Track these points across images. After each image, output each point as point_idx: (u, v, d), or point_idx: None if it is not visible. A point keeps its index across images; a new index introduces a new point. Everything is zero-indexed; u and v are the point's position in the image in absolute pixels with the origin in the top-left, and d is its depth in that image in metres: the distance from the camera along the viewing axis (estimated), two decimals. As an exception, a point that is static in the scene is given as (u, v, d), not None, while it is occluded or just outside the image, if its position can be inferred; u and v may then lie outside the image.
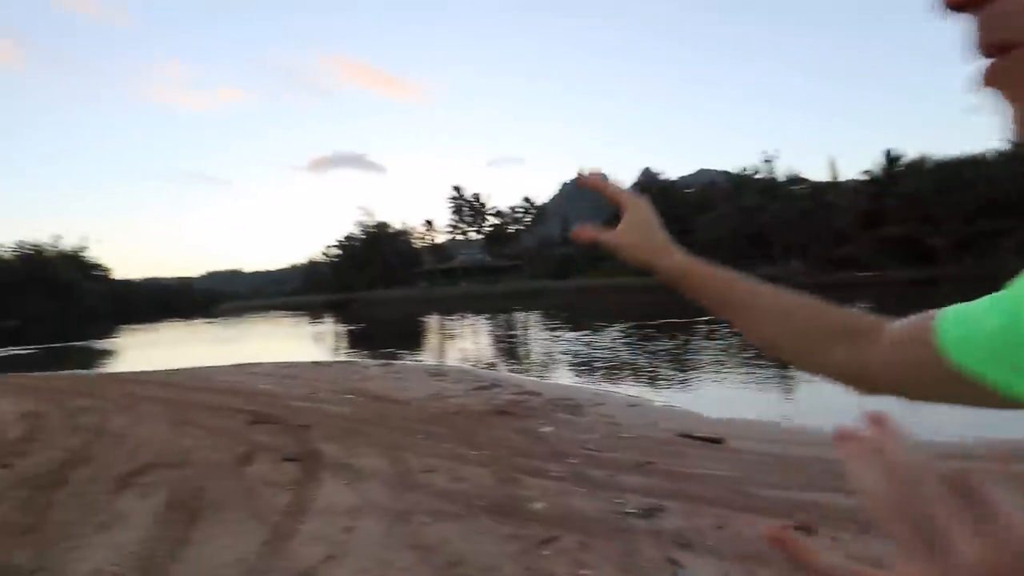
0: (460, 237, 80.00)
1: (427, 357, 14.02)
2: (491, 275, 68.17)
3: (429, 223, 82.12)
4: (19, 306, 54.22)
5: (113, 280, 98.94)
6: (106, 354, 23.06)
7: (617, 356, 11.87)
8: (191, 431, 5.68)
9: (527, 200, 78.54)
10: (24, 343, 27.24)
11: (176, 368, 12.63)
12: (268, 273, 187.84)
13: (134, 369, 13.38)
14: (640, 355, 11.74)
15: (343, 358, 14.48)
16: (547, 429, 5.48)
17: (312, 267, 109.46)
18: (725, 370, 9.02)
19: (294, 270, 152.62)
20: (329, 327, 32.98)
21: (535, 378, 9.50)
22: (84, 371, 15.19)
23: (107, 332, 37.60)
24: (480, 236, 78.44)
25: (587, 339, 15.11)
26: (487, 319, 27.62)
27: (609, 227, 0.59)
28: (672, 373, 9.35)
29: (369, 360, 12.87)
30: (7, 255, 64.74)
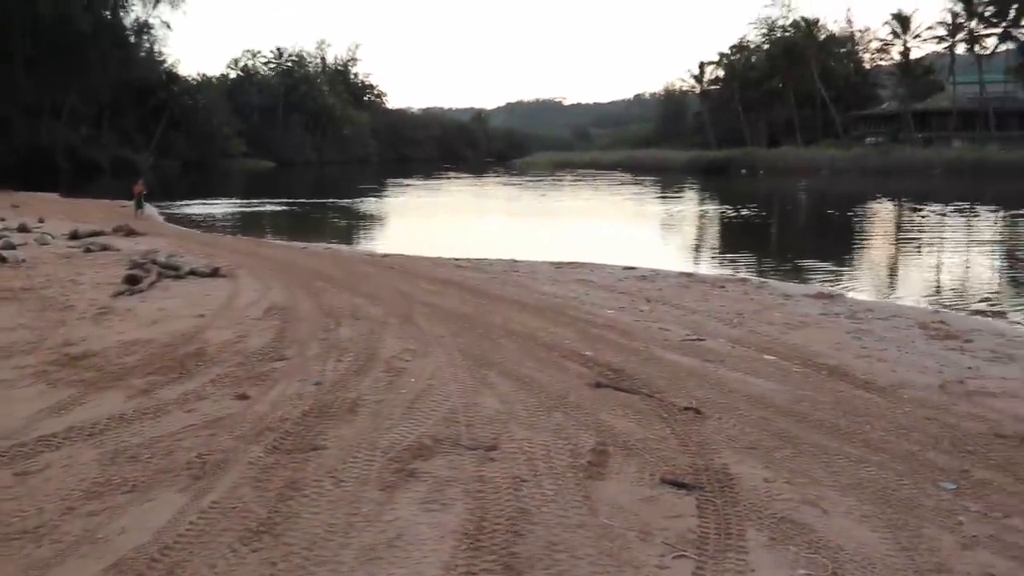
0: (961, 51, 71.84)
1: (882, 288, 13.25)
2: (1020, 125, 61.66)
3: (899, 23, 75.45)
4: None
5: (387, 110, 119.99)
6: (373, 221, 27.58)
7: None
8: (498, 382, 5.84)
9: None
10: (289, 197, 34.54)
11: (471, 258, 14.10)
12: (597, 107, 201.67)
13: (411, 252, 15.31)
14: None
15: (733, 272, 14.28)
16: None
17: (670, 100, 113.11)
18: None
19: (639, 104, 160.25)
20: (694, 208, 33.42)
21: None
22: (346, 246, 18.21)
23: (377, 187, 45.25)
24: (1009, 46, 68.55)
25: None
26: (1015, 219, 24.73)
27: None
28: None
29: (791, 286, 12.18)
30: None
